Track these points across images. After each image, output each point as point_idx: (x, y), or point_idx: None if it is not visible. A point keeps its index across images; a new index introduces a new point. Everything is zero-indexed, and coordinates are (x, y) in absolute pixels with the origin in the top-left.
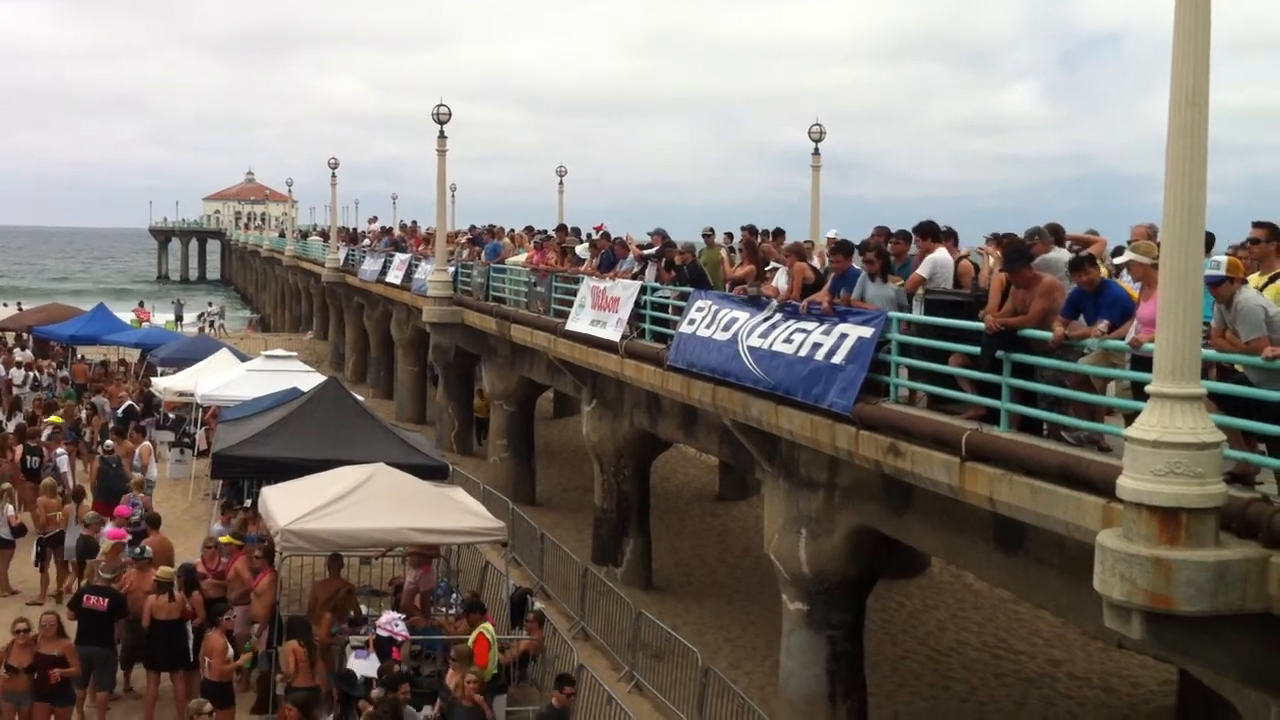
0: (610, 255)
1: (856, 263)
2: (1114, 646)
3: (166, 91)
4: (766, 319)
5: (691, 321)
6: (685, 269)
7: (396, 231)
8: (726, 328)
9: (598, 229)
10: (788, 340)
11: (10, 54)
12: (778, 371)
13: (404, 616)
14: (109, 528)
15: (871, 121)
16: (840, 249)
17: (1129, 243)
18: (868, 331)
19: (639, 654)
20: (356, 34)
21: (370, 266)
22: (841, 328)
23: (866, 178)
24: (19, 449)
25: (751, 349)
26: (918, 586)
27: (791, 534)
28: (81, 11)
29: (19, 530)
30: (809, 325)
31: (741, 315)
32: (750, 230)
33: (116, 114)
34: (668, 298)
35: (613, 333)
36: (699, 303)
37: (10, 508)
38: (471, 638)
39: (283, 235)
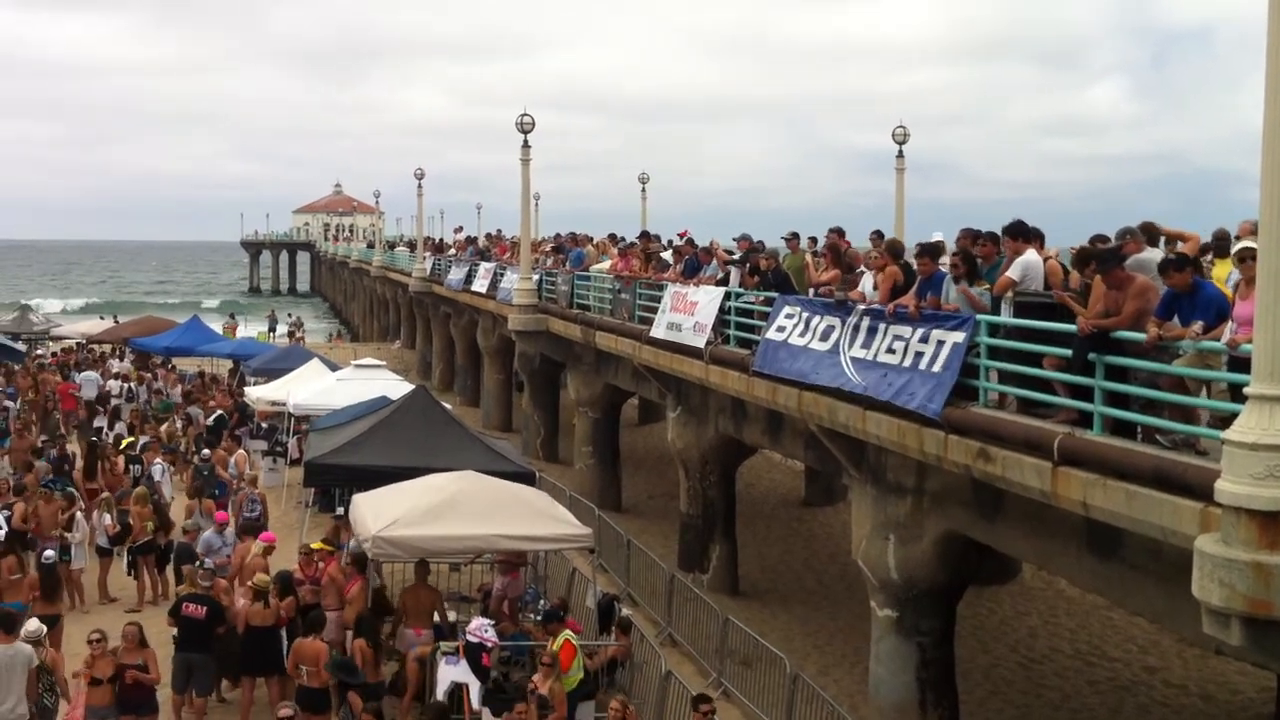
0: (694, 261)
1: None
2: (1211, 653)
3: (252, 105)
4: (859, 326)
5: (781, 329)
6: (769, 274)
7: (481, 241)
8: (819, 335)
9: (681, 235)
10: (890, 350)
11: (98, 69)
12: (872, 377)
13: (493, 623)
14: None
15: (952, 123)
16: (926, 252)
17: (1234, 237)
18: (959, 336)
19: (726, 660)
20: (436, 44)
21: (456, 276)
22: (936, 334)
23: (947, 180)
24: (120, 459)
25: (854, 360)
26: (1009, 593)
27: (879, 540)
28: (167, 27)
29: (117, 539)
30: (905, 332)
31: (834, 321)
32: (838, 233)
33: (204, 128)
34: (752, 303)
35: (697, 339)
36: (786, 308)
37: (109, 516)
38: (557, 644)
39: (370, 246)
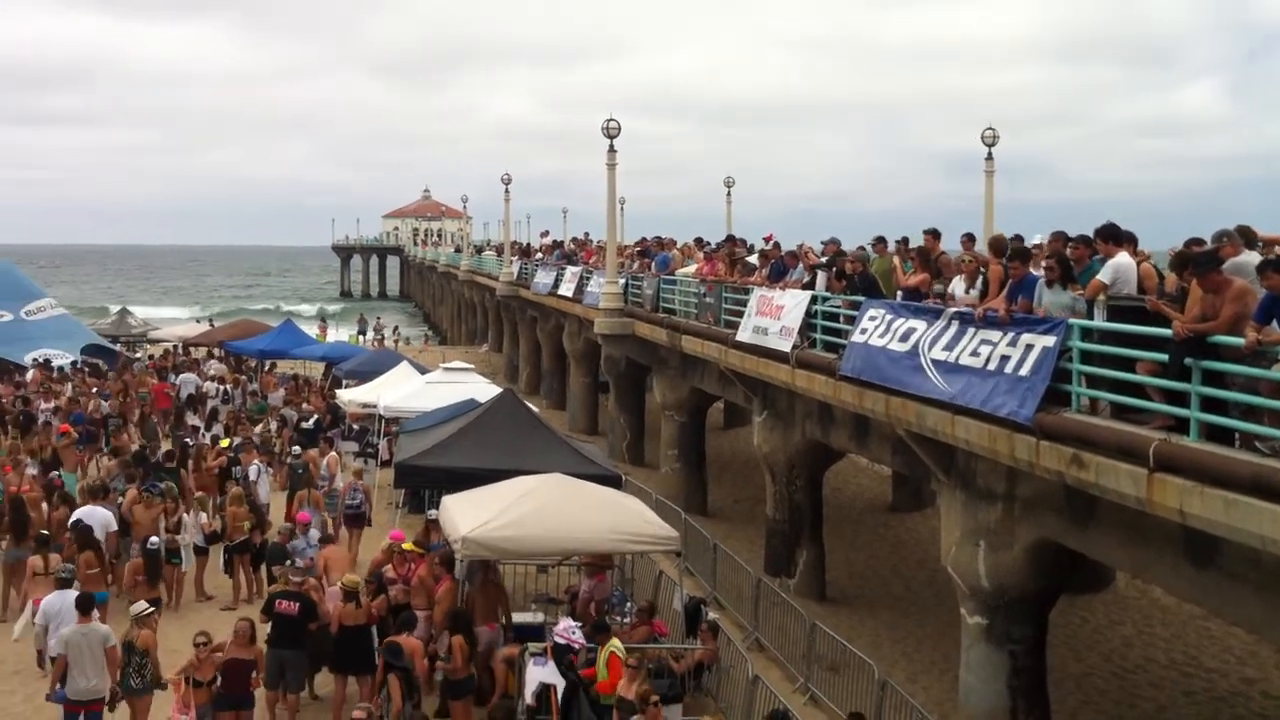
0: (780, 265)
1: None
2: None
3: (343, 111)
4: (945, 329)
5: (864, 331)
6: (856, 278)
7: (568, 245)
8: (904, 338)
9: (768, 239)
10: (974, 354)
11: (192, 77)
12: (958, 382)
13: (580, 625)
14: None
15: (1043, 124)
16: (1017, 255)
17: None
18: (1050, 340)
19: (814, 666)
20: (522, 50)
21: (543, 280)
22: (1025, 337)
23: (1038, 182)
24: (218, 460)
25: (936, 362)
26: (1102, 601)
27: (969, 546)
28: (260, 35)
29: (212, 538)
30: (993, 336)
31: (919, 325)
32: (933, 234)
33: (296, 134)
34: (839, 307)
35: (783, 343)
36: (871, 312)
37: (204, 515)
38: (603, 656)
39: (458, 250)
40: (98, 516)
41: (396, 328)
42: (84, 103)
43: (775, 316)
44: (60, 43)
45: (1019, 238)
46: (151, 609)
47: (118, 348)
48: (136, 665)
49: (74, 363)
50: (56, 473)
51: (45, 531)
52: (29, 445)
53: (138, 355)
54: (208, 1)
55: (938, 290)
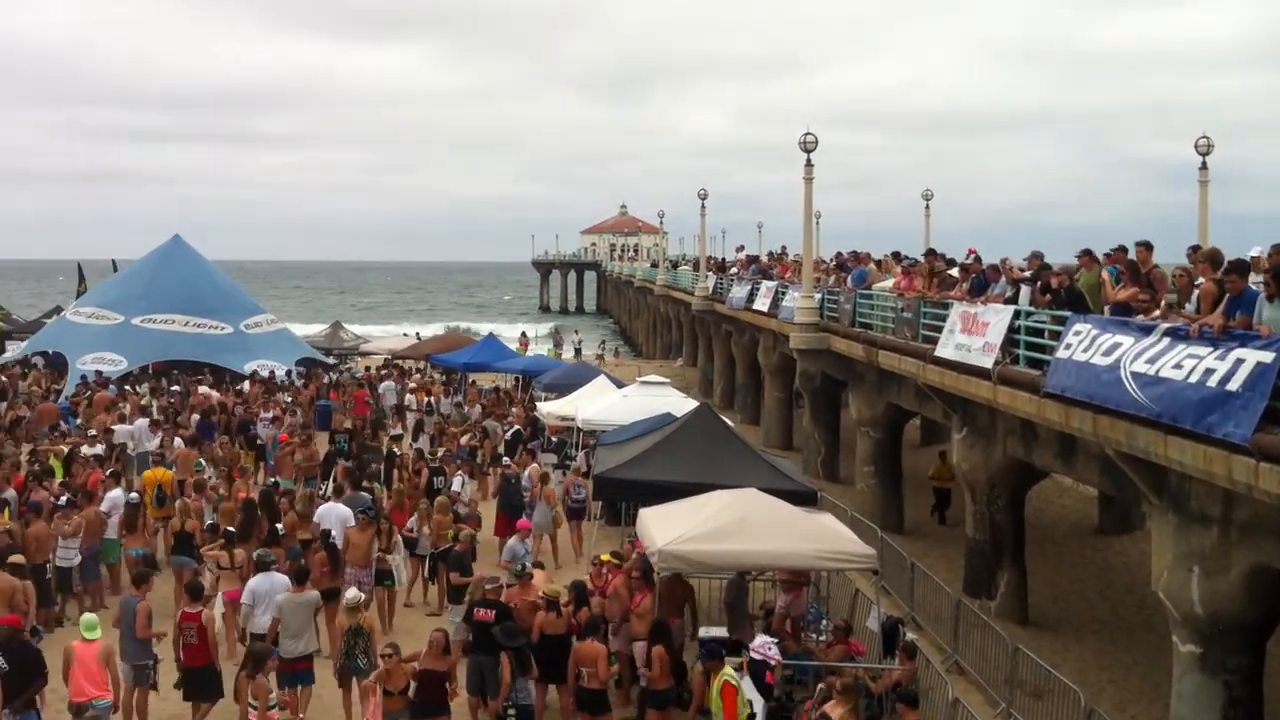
0: (981, 279)
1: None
2: None
3: (543, 128)
4: (1152, 343)
5: (1068, 346)
6: (1062, 292)
7: (763, 259)
8: (1107, 353)
9: (970, 253)
10: (1177, 366)
11: (400, 98)
12: (1164, 399)
13: (776, 641)
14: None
15: (1262, 131)
16: (1235, 268)
17: None
18: (1268, 356)
19: (1016, 691)
20: (717, 66)
21: (738, 294)
22: (1238, 352)
23: (1258, 193)
24: (425, 471)
25: (1135, 374)
26: None
27: (1182, 571)
28: (461, 56)
29: (413, 545)
30: (1200, 350)
31: (1125, 340)
32: (1145, 247)
33: (499, 152)
34: (1043, 322)
35: (985, 358)
36: (1077, 327)
37: (410, 524)
38: (716, 685)
39: (654, 265)
40: (337, 514)
41: (580, 340)
42: (297, 124)
43: (977, 332)
44: (275, 67)
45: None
46: (362, 596)
47: (330, 360)
48: (362, 647)
49: (289, 373)
50: (274, 479)
51: (231, 529)
52: (249, 454)
53: (349, 366)
54: (415, 25)
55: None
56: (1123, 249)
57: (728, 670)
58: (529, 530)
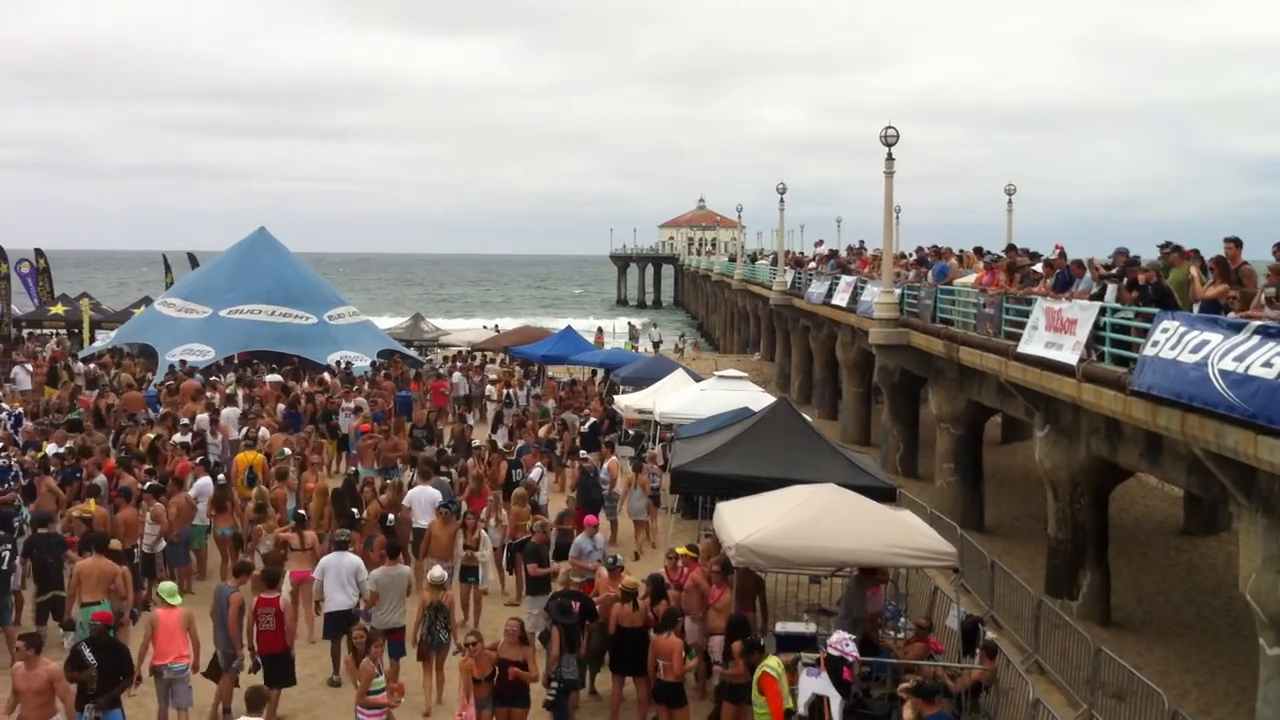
0: (1066, 275)
1: None
2: None
3: (620, 123)
4: (1242, 341)
5: (1156, 343)
6: (1149, 288)
7: (842, 254)
8: (1195, 350)
9: (1056, 248)
10: (1266, 364)
11: (474, 92)
12: (1255, 397)
13: (854, 637)
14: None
15: None
16: None
17: None
18: None
19: (1098, 692)
20: (794, 59)
21: (816, 289)
22: None
23: None
24: (504, 464)
25: (1223, 372)
26: None
27: (1271, 574)
28: (539, 50)
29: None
30: None
31: (1214, 337)
32: (1234, 243)
33: (573, 147)
34: (1130, 319)
35: (1069, 355)
36: (1165, 324)
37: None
38: (755, 678)
39: (732, 260)
40: (427, 496)
41: (660, 334)
42: (376, 118)
43: (1060, 328)
44: (354, 61)
45: None
46: (445, 575)
47: (411, 352)
48: (443, 622)
49: (372, 364)
50: (355, 469)
51: (302, 512)
52: (331, 444)
53: (430, 358)
54: (492, 20)
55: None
56: (1196, 252)
57: (769, 661)
58: (596, 526)
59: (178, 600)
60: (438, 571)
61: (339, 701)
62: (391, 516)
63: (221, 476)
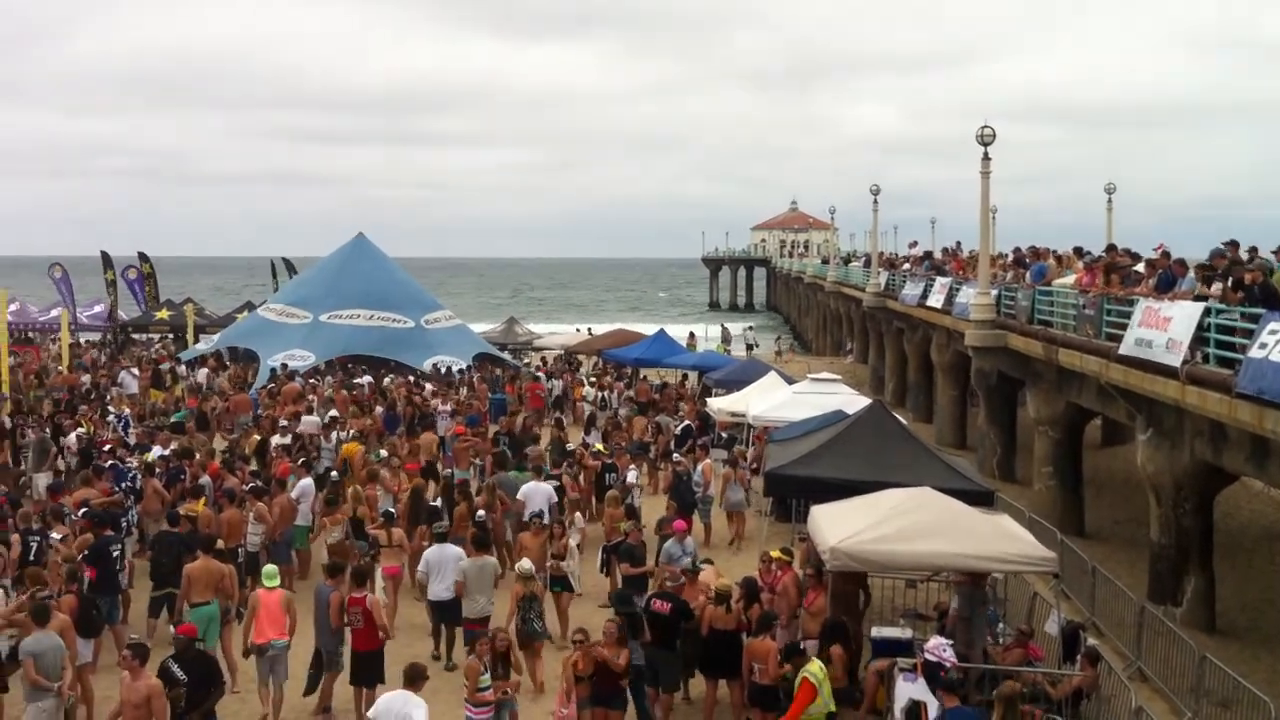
0: (1168, 275)
1: None
2: None
3: (711, 125)
4: None
5: (1264, 346)
6: (1255, 288)
7: (937, 255)
8: None
9: (1157, 249)
10: None
11: (566, 96)
12: None
13: (951, 643)
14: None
15: None
16: None
17: None
18: None
19: (1202, 700)
20: (888, 59)
21: (911, 291)
22: None
23: None
24: (596, 465)
25: None
26: None
27: None
28: (629, 53)
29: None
30: None
31: None
32: None
33: (668, 148)
34: (1236, 320)
35: (1171, 357)
36: (1273, 325)
37: (580, 519)
38: (797, 681)
39: (824, 262)
40: (542, 492)
41: (754, 337)
42: (469, 123)
43: (1163, 329)
44: (447, 67)
45: None
46: (533, 567)
47: (505, 356)
48: (537, 611)
49: (467, 367)
50: (450, 471)
51: (391, 509)
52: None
53: (525, 362)
54: (584, 24)
55: None
56: None
57: (811, 667)
58: (686, 531)
59: (276, 582)
60: (526, 564)
61: (433, 699)
62: (481, 512)
63: (335, 473)
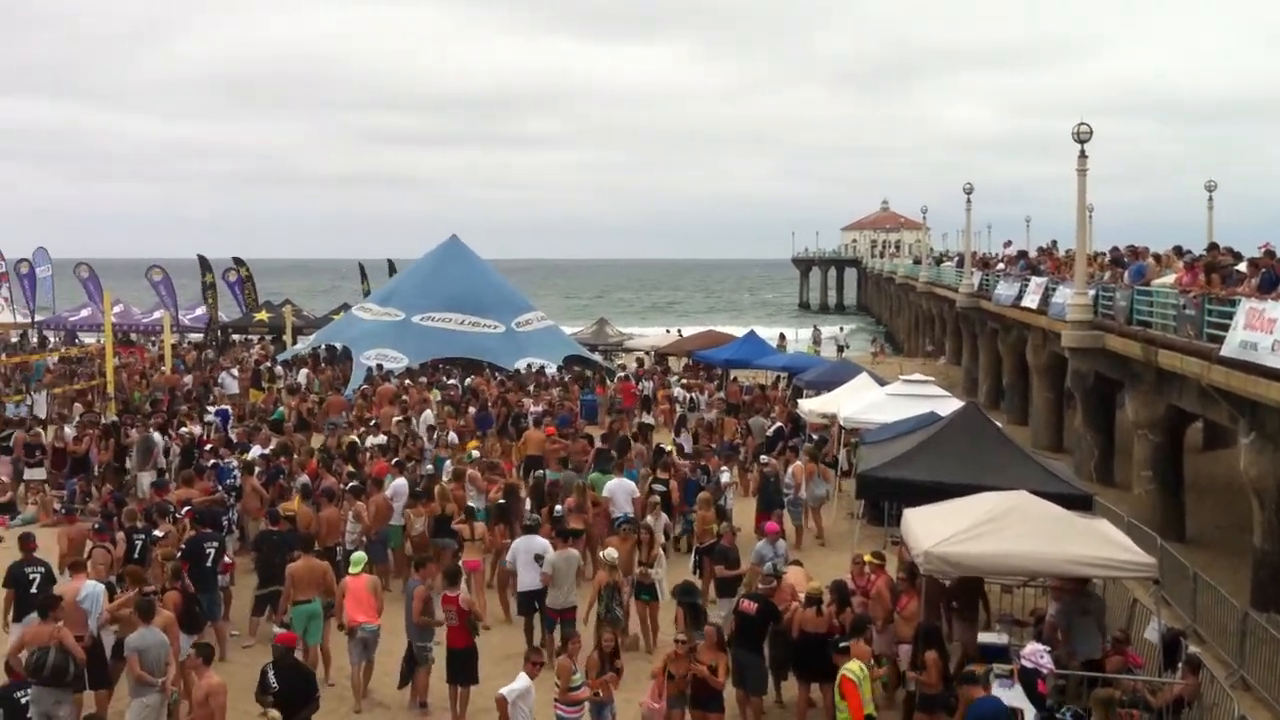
0: (1271, 275)
1: None
2: None
3: (799, 125)
4: None
5: None
6: None
7: (1032, 255)
8: None
9: (1262, 247)
10: None
11: (652, 97)
12: None
13: (1048, 649)
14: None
15: None
16: None
17: None
18: None
19: None
20: (979, 55)
21: (1005, 291)
22: None
23: None
24: (685, 465)
25: None
26: None
27: None
28: (716, 53)
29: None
30: None
31: None
32: None
33: (756, 148)
34: None
35: (1277, 360)
36: None
37: (666, 518)
38: (836, 682)
39: (916, 262)
40: (624, 489)
41: (847, 338)
42: (556, 124)
43: (1267, 330)
44: (534, 68)
45: None
46: (616, 554)
47: (595, 357)
48: (618, 600)
49: (559, 368)
50: (542, 472)
51: (472, 504)
52: (508, 445)
53: (621, 363)
54: (669, 25)
55: None
56: None
57: (850, 665)
58: (778, 533)
59: (361, 568)
60: (612, 552)
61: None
62: (560, 507)
63: (429, 466)
